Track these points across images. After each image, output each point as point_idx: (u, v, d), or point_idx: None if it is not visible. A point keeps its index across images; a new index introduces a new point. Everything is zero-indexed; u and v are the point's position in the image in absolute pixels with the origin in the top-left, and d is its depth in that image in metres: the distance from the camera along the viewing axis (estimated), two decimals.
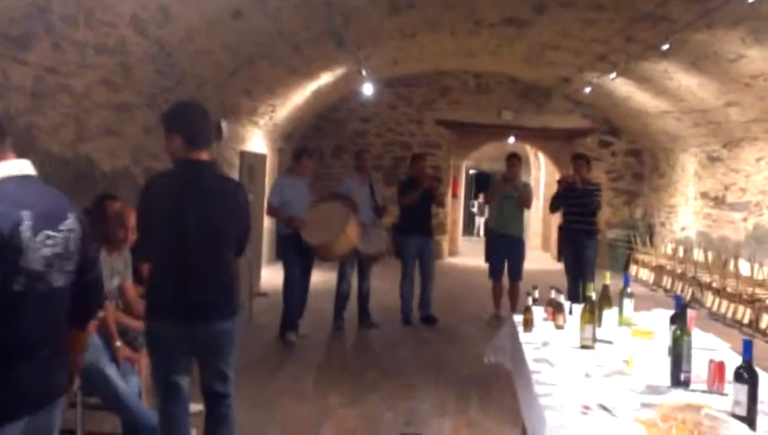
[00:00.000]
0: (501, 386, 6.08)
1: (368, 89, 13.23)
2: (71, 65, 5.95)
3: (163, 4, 6.30)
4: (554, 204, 9.33)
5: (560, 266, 12.35)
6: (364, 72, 12.11)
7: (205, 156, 3.75)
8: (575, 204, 8.75)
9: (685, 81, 11.22)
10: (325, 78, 12.54)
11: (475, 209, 26.14)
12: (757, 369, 2.87)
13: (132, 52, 6.63)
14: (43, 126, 5.86)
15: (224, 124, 10.11)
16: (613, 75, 11.86)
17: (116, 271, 5.07)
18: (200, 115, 3.83)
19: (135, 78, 7.08)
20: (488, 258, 9.52)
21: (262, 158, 12.12)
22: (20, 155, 2.70)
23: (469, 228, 25.94)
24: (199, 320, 3.73)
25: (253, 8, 7.54)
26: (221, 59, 8.49)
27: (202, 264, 3.72)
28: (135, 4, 5.99)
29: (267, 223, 11.57)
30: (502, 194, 9.32)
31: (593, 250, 8.82)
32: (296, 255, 7.85)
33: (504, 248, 9.33)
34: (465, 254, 17.80)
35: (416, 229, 9.06)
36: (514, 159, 9.39)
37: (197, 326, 3.73)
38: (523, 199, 9.35)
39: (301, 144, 14.12)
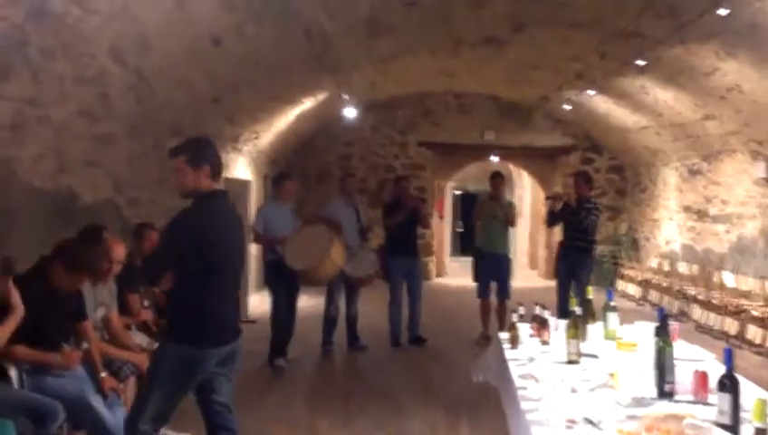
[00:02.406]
0: (490, 405, 6.05)
1: (350, 112, 13.31)
2: (50, 97, 5.95)
3: (142, 34, 6.33)
4: (550, 221, 9.31)
5: (547, 284, 12.37)
6: (346, 97, 12.18)
7: (220, 186, 4.03)
8: (571, 221, 8.74)
9: (662, 95, 11.34)
10: (307, 103, 12.59)
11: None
12: (740, 377, 2.89)
13: (112, 82, 6.64)
14: (23, 158, 5.85)
15: None
16: (592, 92, 11.98)
17: (100, 302, 5.05)
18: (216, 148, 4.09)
19: (115, 108, 7.08)
20: (476, 277, 9.52)
21: (246, 184, 12.11)
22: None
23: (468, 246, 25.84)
24: (236, 339, 4.04)
25: (231, 36, 7.58)
26: (202, 87, 8.51)
27: (236, 287, 4.11)
28: (114, 35, 6.01)
29: (254, 250, 11.53)
30: (487, 213, 9.35)
31: (588, 268, 8.78)
32: (283, 280, 7.83)
33: (492, 267, 9.33)
34: (454, 274, 17.81)
35: (402, 251, 9.06)
36: (498, 178, 9.44)
37: (231, 346, 3.99)
38: (509, 218, 9.38)
39: (285, 169, 14.14)
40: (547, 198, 10.24)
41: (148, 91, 7.42)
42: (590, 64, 11.06)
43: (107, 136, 7.25)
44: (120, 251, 5.03)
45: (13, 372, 4.26)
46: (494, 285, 9.39)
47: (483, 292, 9.40)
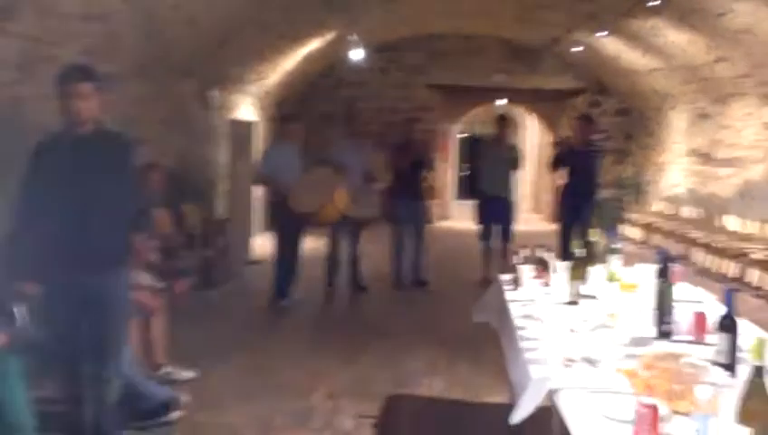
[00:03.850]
0: (491, 346, 6.06)
1: (357, 54, 13.13)
2: (56, 35, 5.87)
3: None
4: (554, 164, 9.27)
5: (551, 227, 12.38)
6: (354, 37, 12.01)
7: None
8: (574, 165, 8.70)
9: (673, 37, 11.15)
10: (315, 43, 12.43)
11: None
12: (738, 319, 2.90)
13: (119, 20, 6.54)
14: (29, 97, 5.81)
15: (213, 93, 10.04)
16: (602, 34, 11.77)
17: None
18: None
19: (122, 47, 7.00)
20: (478, 220, 9.53)
21: (252, 126, 12.06)
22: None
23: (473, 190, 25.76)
24: None
25: None
26: (209, 26, 8.39)
27: None
28: None
29: (259, 191, 11.53)
30: (492, 156, 9.30)
31: (591, 210, 8.80)
32: (287, 221, 7.84)
33: (495, 210, 9.31)
34: (457, 217, 17.81)
35: (407, 193, 9.03)
36: (504, 121, 9.37)
37: None
38: (513, 161, 9.33)
39: (291, 111, 14.04)
40: (555, 143, 10.19)
41: (156, 30, 7.32)
42: (602, 5, 10.84)
43: (114, 75, 7.18)
44: None
45: (17, 310, 4.29)
46: (496, 229, 9.38)
47: (485, 235, 9.40)
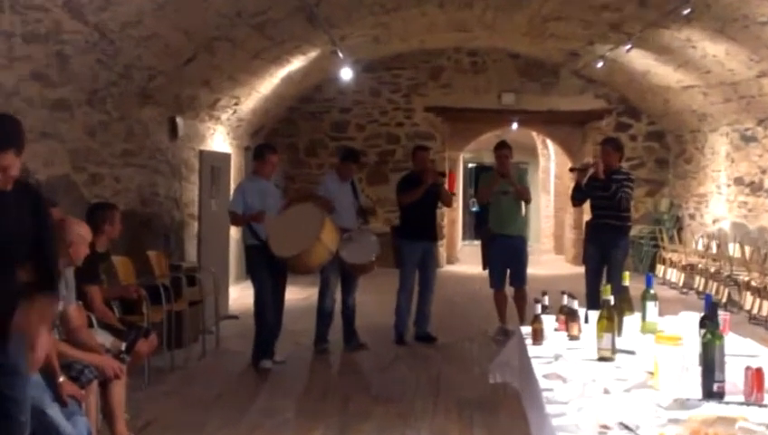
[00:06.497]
0: (509, 409, 6.09)
1: (346, 74, 13.26)
2: None
3: None
4: (576, 197, 9.24)
5: (576, 270, 12.34)
6: (341, 55, 12.13)
7: None
8: (601, 196, 8.67)
9: (710, 49, 11.29)
10: (296, 63, 12.55)
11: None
12: None
13: (68, 40, 6.61)
14: None
15: (179, 121, 10.10)
16: (628, 47, 11.92)
17: None
18: None
19: (73, 70, 7.06)
20: (486, 265, 9.50)
21: (225, 158, 12.10)
22: None
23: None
24: None
25: None
26: (173, 45, 8.48)
27: None
28: None
29: (234, 233, 11.54)
30: (497, 190, 9.29)
31: (623, 250, 8.73)
32: (267, 268, 7.82)
33: (504, 251, 9.26)
34: (466, 261, 17.82)
35: (420, 233, 8.99)
36: (505, 150, 9.33)
37: None
38: (521, 193, 9.30)
39: (270, 141, 14.12)
40: (571, 169, 10.19)
41: (111, 50, 7.39)
42: (627, 14, 11.00)
43: (64, 102, 7.24)
44: (84, 230, 4.98)
45: None
46: (508, 273, 9.34)
47: (497, 282, 9.34)
